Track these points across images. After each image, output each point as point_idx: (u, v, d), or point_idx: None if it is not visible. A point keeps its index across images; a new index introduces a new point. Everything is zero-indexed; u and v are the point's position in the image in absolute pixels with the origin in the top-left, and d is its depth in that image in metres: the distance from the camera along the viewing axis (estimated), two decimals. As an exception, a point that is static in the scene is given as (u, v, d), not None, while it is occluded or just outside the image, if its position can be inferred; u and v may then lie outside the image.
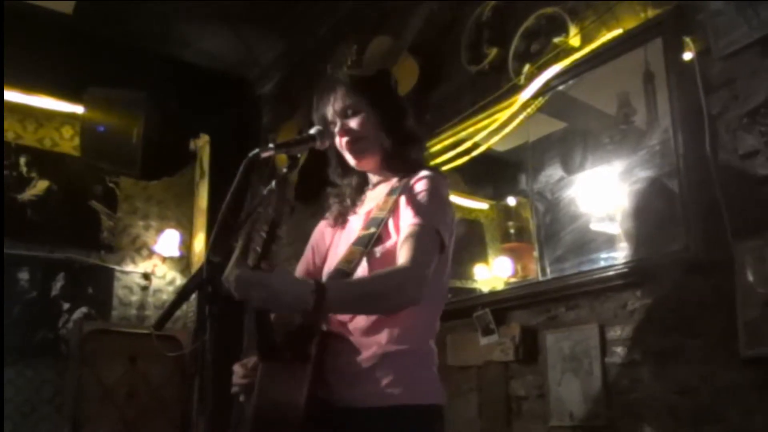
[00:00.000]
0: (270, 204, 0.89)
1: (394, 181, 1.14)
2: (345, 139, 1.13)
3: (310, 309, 0.85)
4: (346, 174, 1.20)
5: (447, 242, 1.05)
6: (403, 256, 0.98)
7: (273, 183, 1.04)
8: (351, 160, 1.15)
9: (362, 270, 1.03)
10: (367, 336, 1.02)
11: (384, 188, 1.15)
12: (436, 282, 1.05)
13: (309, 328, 0.97)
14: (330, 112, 1.14)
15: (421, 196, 1.05)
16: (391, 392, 0.98)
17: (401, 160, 1.14)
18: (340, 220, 1.19)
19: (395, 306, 0.97)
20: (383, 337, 1.01)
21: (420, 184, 1.07)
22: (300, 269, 1.23)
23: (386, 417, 0.97)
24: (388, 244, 1.04)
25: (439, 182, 1.09)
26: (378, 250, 1.04)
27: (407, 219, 1.03)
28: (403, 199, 1.07)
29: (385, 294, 0.95)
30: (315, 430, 0.93)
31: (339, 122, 1.13)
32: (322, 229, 1.25)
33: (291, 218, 2.98)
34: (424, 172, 1.10)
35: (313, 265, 1.22)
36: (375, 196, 1.16)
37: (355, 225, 1.14)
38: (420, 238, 0.99)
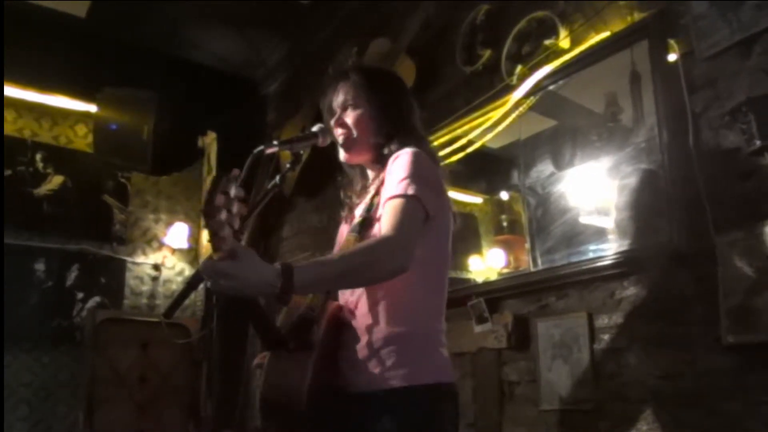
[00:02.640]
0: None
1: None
2: (337, 131, 1.14)
3: (278, 292, 0.83)
4: (349, 164, 1.20)
5: (431, 210, 1.00)
6: (384, 228, 0.96)
7: (277, 178, 1.10)
8: (341, 153, 1.16)
9: None
10: (370, 321, 1.02)
11: (379, 181, 1.14)
12: (433, 260, 1.04)
13: (307, 318, 1.00)
14: (335, 102, 1.15)
15: (399, 171, 1.01)
16: (395, 374, 0.98)
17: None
18: (350, 216, 1.18)
19: (382, 275, 0.94)
20: (386, 320, 1.01)
21: (398, 160, 1.04)
22: None
23: (393, 398, 0.97)
24: (377, 224, 1.03)
25: (417, 154, 1.04)
26: (369, 233, 1.04)
27: (386, 195, 1.01)
28: (386, 179, 1.05)
29: (368, 264, 0.91)
30: (330, 419, 0.95)
31: (338, 113, 1.14)
32: (340, 232, 1.23)
33: (293, 212, 3.04)
34: (403, 149, 1.06)
35: None
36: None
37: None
38: (399, 209, 0.97)
